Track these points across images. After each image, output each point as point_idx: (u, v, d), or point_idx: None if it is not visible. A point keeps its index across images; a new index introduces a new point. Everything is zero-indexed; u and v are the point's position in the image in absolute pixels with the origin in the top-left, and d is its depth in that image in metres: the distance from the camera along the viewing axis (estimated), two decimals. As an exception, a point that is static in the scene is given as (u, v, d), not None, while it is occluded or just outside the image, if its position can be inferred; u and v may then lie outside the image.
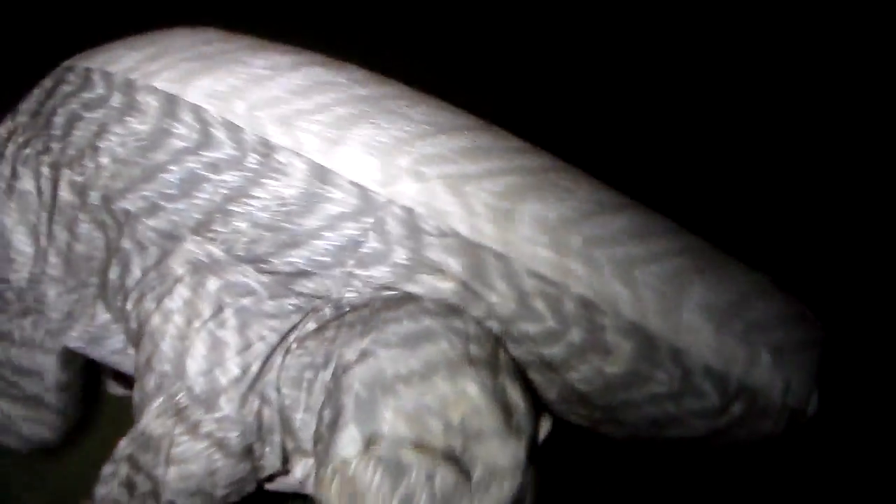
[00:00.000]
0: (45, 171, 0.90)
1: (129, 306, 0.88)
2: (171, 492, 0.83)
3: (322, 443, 0.73)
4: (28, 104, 0.94)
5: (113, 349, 0.95)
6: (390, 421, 0.69)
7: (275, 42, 0.94)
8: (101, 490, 0.85)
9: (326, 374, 0.78)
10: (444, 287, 0.78)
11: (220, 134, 0.80)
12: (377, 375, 0.72)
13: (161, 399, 0.82)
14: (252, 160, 0.79)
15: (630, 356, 0.78)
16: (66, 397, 1.01)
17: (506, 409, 0.72)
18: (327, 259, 0.79)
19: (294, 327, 0.82)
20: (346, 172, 0.77)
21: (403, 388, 0.70)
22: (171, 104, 0.82)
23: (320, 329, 0.81)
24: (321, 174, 0.78)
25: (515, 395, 0.74)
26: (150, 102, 0.83)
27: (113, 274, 0.89)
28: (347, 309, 0.81)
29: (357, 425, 0.70)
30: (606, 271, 0.77)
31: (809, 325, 0.87)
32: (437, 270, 0.77)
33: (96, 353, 0.97)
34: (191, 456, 0.81)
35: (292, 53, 0.90)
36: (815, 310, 0.90)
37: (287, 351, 0.82)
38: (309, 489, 0.83)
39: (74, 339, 0.95)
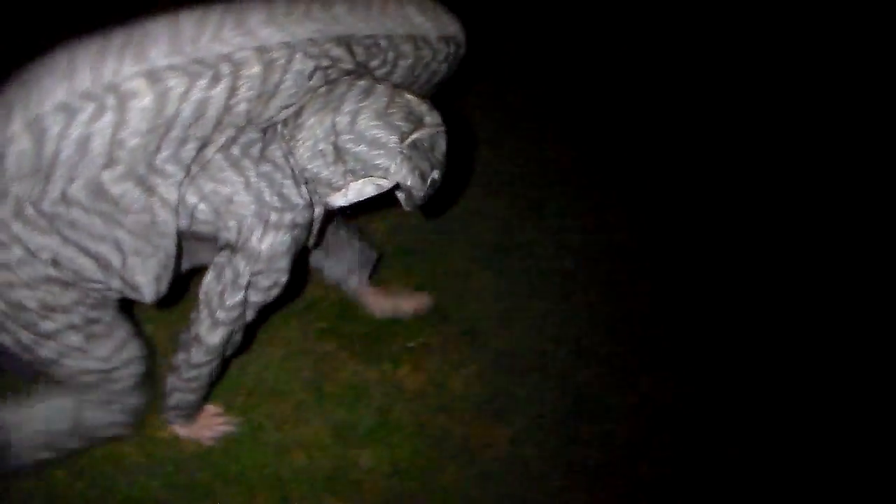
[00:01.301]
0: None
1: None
2: (273, 274, 1.32)
3: (378, 158, 1.27)
4: (20, 166, 1.14)
5: None
6: (402, 124, 1.27)
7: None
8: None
9: (331, 139, 1.28)
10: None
11: (196, 68, 1.15)
12: (377, 113, 1.26)
13: (255, 218, 1.27)
14: (225, 69, 1.16)
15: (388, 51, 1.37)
16: None
17: (423, 98, 1.33)
18: (298, 91, 1.26)
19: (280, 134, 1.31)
20: (273, 39, 1.19)
21: (393, 109, 1.27)
22: (153, 75, 1.13)
23: (298, 125, 1.29)
24: (264, 49, 1.18)
25: (414, 92, 1.35)
26: (137, 85, 1.13)
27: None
28: (301, 106, 1.29)
29: (393, 135, 1.26)
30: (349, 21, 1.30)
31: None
32: (336, 61, 1.26)
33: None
34: (288, 242, 1.30)
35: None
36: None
37: (290, 152, 1.30)
38: (351, 200, 1.36)
39: None
